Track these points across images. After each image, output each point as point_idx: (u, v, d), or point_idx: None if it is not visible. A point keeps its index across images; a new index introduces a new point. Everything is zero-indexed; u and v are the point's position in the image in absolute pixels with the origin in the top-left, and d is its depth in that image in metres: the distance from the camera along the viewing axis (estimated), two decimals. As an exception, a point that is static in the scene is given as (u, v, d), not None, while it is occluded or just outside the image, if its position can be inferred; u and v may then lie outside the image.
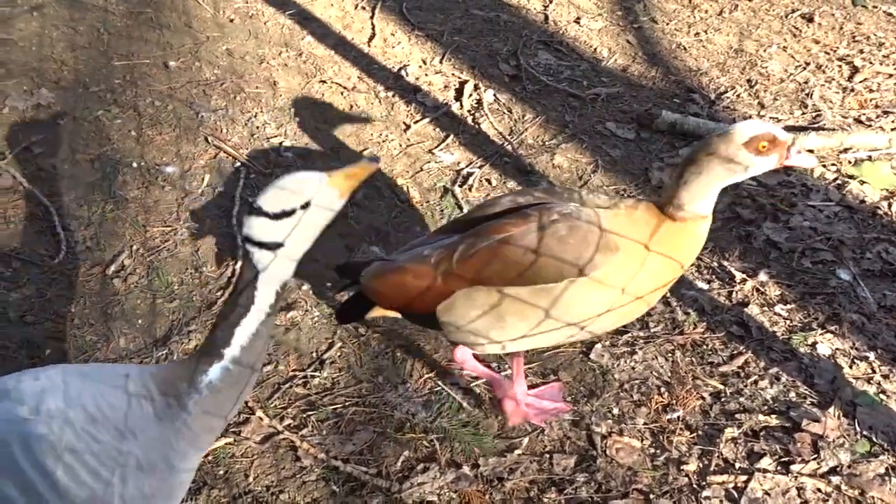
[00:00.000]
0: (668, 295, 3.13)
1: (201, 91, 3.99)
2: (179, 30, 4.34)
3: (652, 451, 2.64)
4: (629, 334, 2.99)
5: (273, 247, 1.72)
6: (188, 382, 1.78)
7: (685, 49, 4.52)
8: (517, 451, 2.62)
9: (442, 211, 3.50)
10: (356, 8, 4.69)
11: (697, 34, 4.65)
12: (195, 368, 1.79)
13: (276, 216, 1.70)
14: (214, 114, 3.87)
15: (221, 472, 2.53)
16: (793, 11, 4.84)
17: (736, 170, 2.30)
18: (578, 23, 4.71)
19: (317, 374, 2.83)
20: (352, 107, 4.01)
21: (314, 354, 2.90)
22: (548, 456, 2.62)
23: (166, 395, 1.79)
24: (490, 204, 2.52)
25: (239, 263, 1.75)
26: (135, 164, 3.58)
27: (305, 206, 1.71)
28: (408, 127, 3.93)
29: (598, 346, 2.95)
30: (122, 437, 1.74)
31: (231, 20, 4.47)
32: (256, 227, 1.72)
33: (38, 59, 4.05)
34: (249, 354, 1.80)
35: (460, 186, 3.62)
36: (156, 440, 1.77)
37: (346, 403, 2.74)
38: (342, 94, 4.08)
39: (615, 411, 2.75)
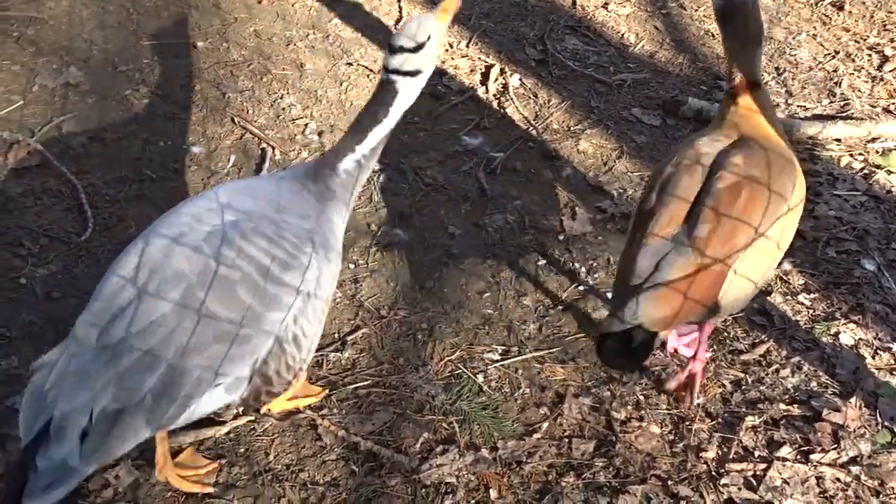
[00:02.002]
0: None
1: (228, 72, 4.01)
2: (208, 11, 4.36)
3: (671, 437, 2.65)
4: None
5: (415, 73, 2.35)
6: (331, 169, 2.39)
7: (713, 36, 4.49)
8: (536, 435, 2.64)
9: (466, 195, 3.50)
10: (383, -10, 4.69)
11: (726, 21, 4.61)
12: (336, 158, 2.39)
13: (415, 49, 2.31)
14: (241, 95, 3.89)
15: (242, 451, 2.56)
16: (823, -1, 4.80)
17: None
18: (606, 8, 4.68)
19: (338, 353, 2.85)
20: (377, 91, 4.01)
21: (336, 335, 2.92)
22: (567, 440, 2.63)
23: (317, 182, 2.38)
24: (670, 185, 2.48)
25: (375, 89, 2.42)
26: (161, 144, 3.61)
27: (429, 38, 2.32)
28: (433, 110, 3.93)
29: (620, 332, 2.95)
30: (303, 219, 2.32)
31: (259, 1, 4.48)
32: (402, 60, 2.33)
33: (68, 37, 4.08)
34: (371, 157, 2.41)
35: (485, 171, 3.62)
36: (321, 216, 2.37)
37: (367, 384, 2.76)
38: (368, 76, 4.08)
39: (635, 397, 2.76)
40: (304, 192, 2.38)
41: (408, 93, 2.38)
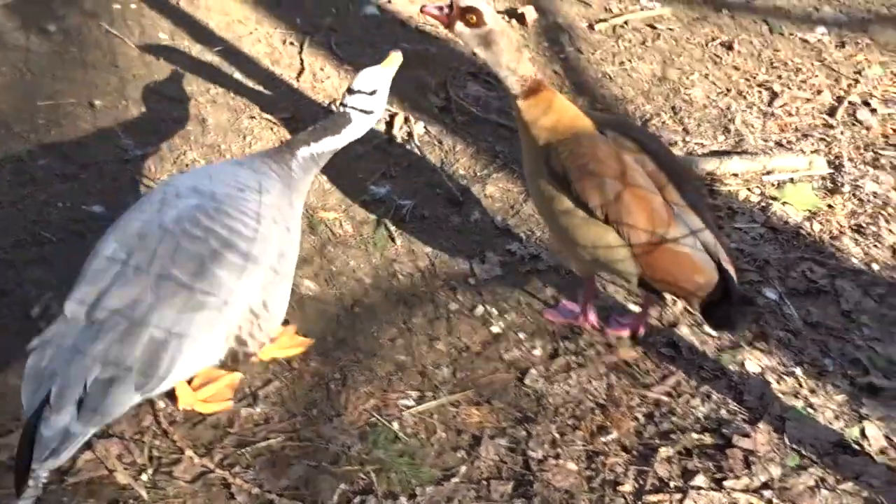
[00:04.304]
0: (601, 319, 3.17)
1: (128, 129, 3.95)
2: (104, 68, 4.30)
3: (588, 473, 2.66)
4: (563, 358, 3.02)
5: (368, 112, 2.79)
6: (290, 154, 2.75)
7: (611, 78, 4.61)
8: (454, 480, 2.62)
9: (375, 244, 3.50)
10: (284, 43, 4.69)
11: (622, 63, 4.74)
12: (294, 146, 2.77)
13: (371, 93, 2.78)
14: (142, 152, 3.83)
15: (153, 514, 2.48)
16: (713, 40, 4.97)
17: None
18: (506, 55, 4.76)
19: (250, 409, 2.80)
20: (282, 141, 4.00)
21: (248, 390, 2.87)
22: (485, 483, 2.62)
23: (279, 164, 2.73)
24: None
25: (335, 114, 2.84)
26: (60, 205, 3.52)
27: (381, 86, 2.80)
28: (339, 161, 3.91)
29: (533, 370, 2.97)
30: (263, 195, 2.60)
31: (157, 58, 4.44)
32: (358, 100, 2.78)
33: (-41, 100, 3.98)
34: (319, 159, 2.80)
35: (393, 219, 3.63)
36: (282, 195, 2.67)
37: (281, 439, 2.71)
38: (272, 129, 4.07)
39: (551, 435, 2.77)
40: (267, 171, 2.69)
41: (360, 124, 2.81)
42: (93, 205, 3.55)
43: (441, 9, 2.72)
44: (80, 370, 2.26)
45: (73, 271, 3.16)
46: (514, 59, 2.73)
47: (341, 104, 2.81)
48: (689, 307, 3.19)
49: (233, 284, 2.42)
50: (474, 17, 2.65)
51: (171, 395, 2.76)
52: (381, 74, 2.80)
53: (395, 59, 2.86)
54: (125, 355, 2.28)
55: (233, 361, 2.54)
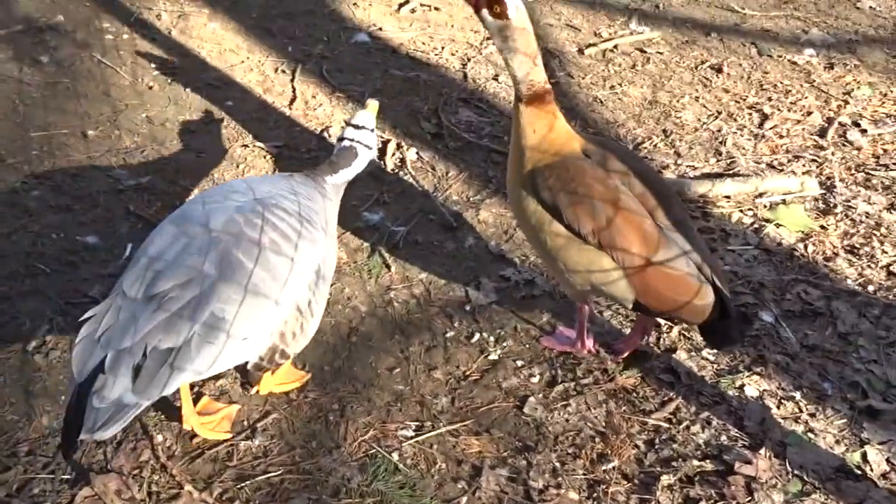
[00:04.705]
0: (599, 343, 3.17)
1: (121, 159, 3.94)
2: (97, 99, 4.30)
3: (590, 502, 2.64)
4: (562, 385, 3.01)
5: (370, 147, 3.08)
6: (322, 179, 2.97)
7: (601, 102, 4.63)
8: (455, 511, 2.60)
9: (370, 271, 3.49)
10: (276, 71, 4.70)
11: (613, 87, 4.77)
12: (323, 175, 2.98)
13: (371, 130, 3.10)
14: (135, 182, 3.82)
15: (153, 551, 2.46)
16: (702, 63, 5.01)
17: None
18: (497, 80, 4.79)
19: (249, 441, 2.78)
20: (275, 169, 4.00)
21: (246, 422, 2.85)
22: (486, 513, 2.60)
23: (317, 181, 2.94)
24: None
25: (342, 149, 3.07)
26: (54, 236, 3.51)
27: (373, 125, 3.13)
28: (332, 188, 3.92)
29: (532, 398, 2.96)
30: (312, 202, 2.80)
31: (150, 87, 4.44)
32: (361, 134, 3.07)
33: (-49, 132, 3.97)
34: (338, 189, 3.03)
35: (387, 245, 3.63)
36: (324, 206, 2.87)
37: (280, 472, 2.69)
38: (265, 157, 4.07)
39: (551, 464, 2.76)
40: (309, 185, 2.88)
41: (364, 159, 3.07)
42: (86, 235, 3.53)
43: None
44: (140, 337, 2.29)
45: (67, 302, 3.18)
46: (529, 61, 2.77)
47: (346, 139, 3.06)
48: (686, 326, 3.19)
49: (286, 277, 2.51)
50: (499, 7, 2.69)
51: (169, 416, 2.72)
52: (372, 117, 3.14)
53: (374, 106, 3.20)
54: (185, 327, 2.32)
55: (268, 362, 2.59)
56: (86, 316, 2.40)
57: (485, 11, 2.71)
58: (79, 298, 3.23)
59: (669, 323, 3.22)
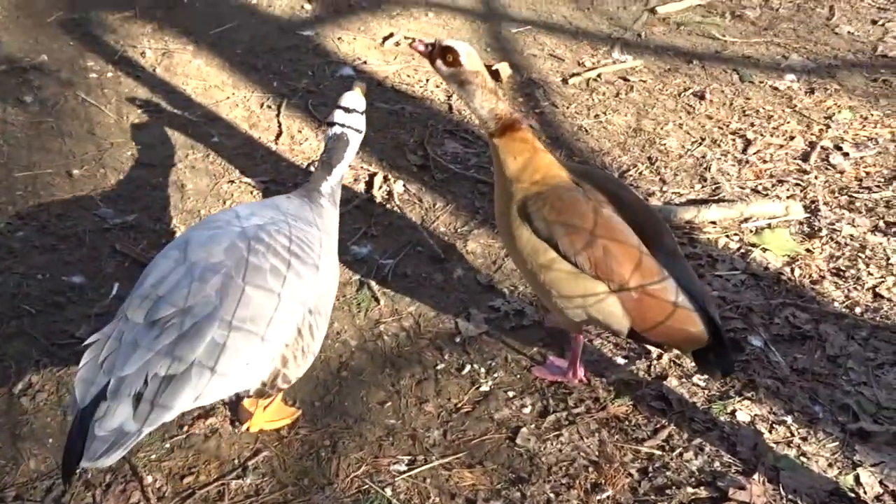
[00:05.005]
0: (590, 372, 3.17)
1: (107, 198, 3.93)
2: (82, 138, 4.30)
3: (585, 533, 2.63)
4: (554, 415, 3.00)
5: (360, 131, 3.07)
6: (317, 191, 2.99)
7: (586, 131, 4.66)
8: (450, 545, 2.58)
9: (359, 304, 3.49)
10: (262, 107, 4.71)
11: (597, 116, 4.80)
12: (317, 184, 3.00)
13: (362, 112, 3.07)
14: (121, 220, 3.81)
15: None
16: (685, 90, 5.04)
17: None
18: (482, 111, 4.80)
19: (240, 480, 2.75)
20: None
21: (236, 461, 2.82)
22: (481, 547, 2.58)
23: (312, 201, 2.96)
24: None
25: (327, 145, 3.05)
26: (40, 277, 3.49)
27: (364, 107, 3.09)
28: (319, 222, 3.92)
29: (524, 429, 2.94)
30: (310, 226, 2.83)
31: (135, 125, 4.44)
32: (352, 118, 3.04)
33: (-65, 174, 3.95)
34: (336, 189, 3.04)
35: (376, 279, 3.62)
36: (322, 226, 2.89)
37: (272, 509, 2.67)
38: (251, 192, 4.07)
39: (545, 495, 2.74)
40: (306, 207, 2.91)
41: (355, 143, 3.06)
42: (72, 275, 3.51)
43: (427, 46, 2.91)
44: (142, 364, 2.30)
45: (54, 343, 3.15)
46: (490, 95, 2.89)
47: (336, 124, 3.02)
48: (678, 353, 3.19)
49: (287, 302, 2.53)
50: (451, 57, 2.84)
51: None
52: (362, 98, 3.10)
53: (362, 88, 3.15)
54: (187, 354, 2.32)
55: (270, 386, 2.59)
56: (90, 340, 2.40)
57: (439, 62, 2.87)
58: (65, 339, 3.21)
59: (660, 350, 3.22)
